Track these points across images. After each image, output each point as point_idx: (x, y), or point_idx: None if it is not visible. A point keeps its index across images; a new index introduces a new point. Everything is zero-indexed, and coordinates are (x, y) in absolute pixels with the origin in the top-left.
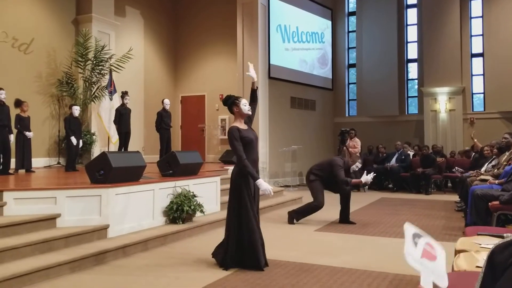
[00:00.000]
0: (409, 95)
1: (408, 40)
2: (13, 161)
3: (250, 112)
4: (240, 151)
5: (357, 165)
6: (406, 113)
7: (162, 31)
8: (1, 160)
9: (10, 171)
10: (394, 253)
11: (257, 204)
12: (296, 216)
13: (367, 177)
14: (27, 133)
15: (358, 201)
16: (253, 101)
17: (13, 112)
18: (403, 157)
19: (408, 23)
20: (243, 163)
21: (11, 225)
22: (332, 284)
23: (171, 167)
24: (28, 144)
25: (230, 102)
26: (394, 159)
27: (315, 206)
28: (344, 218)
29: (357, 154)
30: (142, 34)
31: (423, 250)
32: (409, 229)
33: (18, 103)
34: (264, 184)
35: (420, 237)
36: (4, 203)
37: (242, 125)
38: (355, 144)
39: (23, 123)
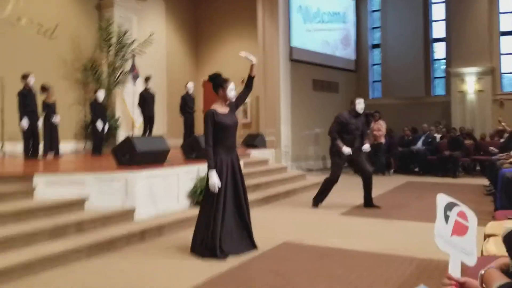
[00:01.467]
0: (435, 76)
1: (434, 19)
2: (41, 146)
3: (233, 99)
4: (208, 136)
5: (366, 147)
6: (432, 95)
7: (183, 14)
8: (31, 145)
9: (39, 155)
10: (420, 237)
11: (239, 188)
12: (317, 198)
13: (347, 149)
14: (54, 118)
15: (383, 184)
16: (248, 87)
17: (39, 97)
18: (430, 139)
19: (434, 1)
20: (206, 149)
21: (41, 208)
22: (357, 269)
23: (195, 150)
24: (55, 129)
25: (217, 83)
26: (420, 142)
27: (329, 180)
28: (367, 202)
29: (382, 137)
30: (164, 18)
31: (454, 224)
32: (443, 199)
33: (44, 89)
34: (214, 177)
35: (452, 207)
36: (35, 187)
37: (222, 109)
38: (380, 127)
39: (50, 109)
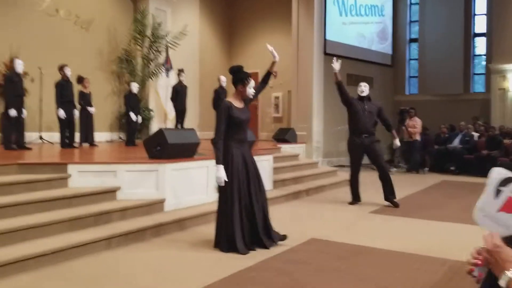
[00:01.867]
0: (475, 72)
1: (476, 13)
2: (77, 136)
3: (252, 96)
4: (220, 129)
5: (396, 143)
6: (471, 91)
7: (217, 7)
8: (67, 134)
9: (75, 145)
10: (454, 238)
11: (254, 183)
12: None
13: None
14: (89, 109)
15: (417, 183)
16: (264, 82)
17: (76, 88)
18: (467, 138)
19: None
20: (216, 141)
21: (75, 197)
22: (387, 269)
23: None
24: (91, 119)
25: (238, 78)
26: (457, 140)
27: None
28: (386, 197)
29: (417, 134)
30: (198, 10)
31: (506, 199)
32: (500, 172)
33: (80, 80)
34: (221, 171)
35: (509, 183)
36: (69, 175)
37: (237, 103)
38: (415, 124)
39: (85, 99)
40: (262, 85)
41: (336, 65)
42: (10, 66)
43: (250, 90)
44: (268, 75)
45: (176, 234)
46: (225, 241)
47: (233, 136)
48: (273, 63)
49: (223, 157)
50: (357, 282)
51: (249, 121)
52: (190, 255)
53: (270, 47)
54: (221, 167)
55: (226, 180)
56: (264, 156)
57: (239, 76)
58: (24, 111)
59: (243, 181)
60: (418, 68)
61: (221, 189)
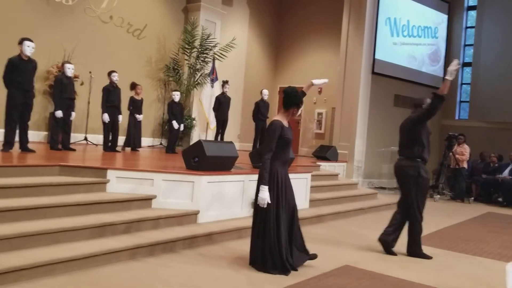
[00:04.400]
0: None
1: None
2: (122, 139)
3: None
4: (270, 149)
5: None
6: None
7: (266, 21)
8: (110, 137)
9: (118, 149)
10: (492, 275)
11: (289, 202)
12: (420, 248)
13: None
14: (137, 116)
15: (462, 212)
16: None
17: (128, 94)
18: None
19: None
20: (264, 161)
21: (112, 202)
22: None
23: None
24: (139, 125)
25: (293, 101)
26: (507, 171)
27: (420, 222)
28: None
29: (464, 162)
30: (247, 23)
31: None
32: None
33: (133, 86)
34: (265, 192)
35: None
36: (108, 180)
37: (285, 122)
38: (463, 151)
39: (136, 105)
40: None
41: (453, 67)
42: (62, 69)
43: (299, 112)
44: (303, 95)
45: (208, 247)
46: (268, 261)
47: (279, 156)
48: (310, 87)
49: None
50: None
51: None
52: (219, 272)
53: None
54: (267, 188)
55: (269, 202)
56: (302, 174)
57: (294, 100)
58: (73, 114)
59: (286, 201)
60: (470, 92)
61: (263, 208)
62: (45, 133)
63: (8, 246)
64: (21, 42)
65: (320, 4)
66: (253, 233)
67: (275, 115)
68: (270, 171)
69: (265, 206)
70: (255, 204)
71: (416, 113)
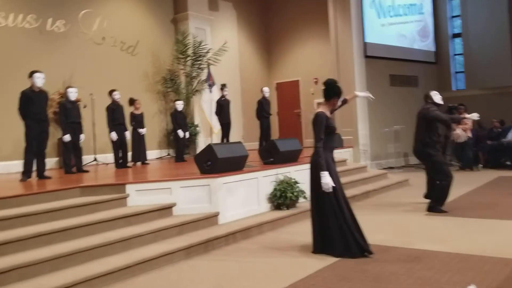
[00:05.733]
0: None
1: None
2: (130, 155)
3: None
4: (320, 137)
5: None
6: None
7: (254, 20)
8: (120, 154)
9: (129, 164)
10: None
11: (341, 188)
12: (440, 205)
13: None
14: (140, 130)
15: (472, 181)
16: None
17: (128, 110)
18: None
19: None
20: (317, 150)
21: (134, 215)
22: (447, 272)
23: (272, 155)
24: (143, 139)
25: (333, 92)
26: (510, 134)
27: (450, 182)
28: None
29: (468, 131)
30: (236, 25)
31: None
32: None
33: (131, 102)
34: (327, 177)
35: None
36: (127, 195)
37: (328, 113)
38: (465, 120)
39: (137, 120)
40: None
41: (475, 115)
42: (64, 95)
43: (339, 103)
44: (344, 102)
45: (232, 245)
46: (340, 244)
47: (327, 145)
48: (355, 96)
49: (319, 164)
50: (417, 286)
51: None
52: (247, 265)
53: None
54: (327, 173)
55: (333, 185)
56: None
57: (335, 90)
58: (82, 136)
59: (338, 186)
60: (464, 63)
61: (322, 196)
62: (56, 159)
63: (48, 268)
64: (31, 75)
65: None
66: (315, 221)
67: (318, 108)
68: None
69: (330, 190)
70: (313, 194)
71: (431, 113)
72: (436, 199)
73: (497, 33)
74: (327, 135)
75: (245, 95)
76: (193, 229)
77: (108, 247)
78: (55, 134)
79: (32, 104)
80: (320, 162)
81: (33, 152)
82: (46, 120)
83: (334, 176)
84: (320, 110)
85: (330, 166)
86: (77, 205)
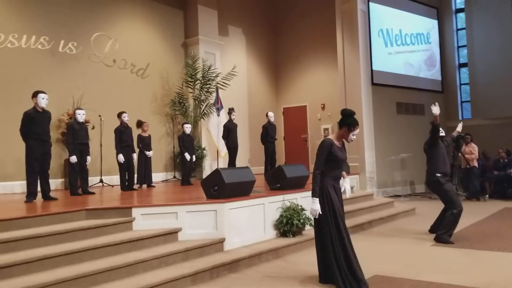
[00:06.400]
0: None
1: None
2: (136, 177)
3: (351, 141)
4: (320, 164)
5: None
6: None
7: (262, 45)
8: (126, 177)
9: (134, 187)
10: None
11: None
12: (448, 235)
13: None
14: (147, 153)
15: (478, 211)
16: None
17: (135, 132)
18: None
19: None
20: (315, 175)
21: (140, 239)
22: None
23: (279, 180)
24: (149, 162)
25: (347, 122)
26: None
27: (459, 211)
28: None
29: (474, 161)
30: (245, 50)
31: None
32: None
33: (139, 124)
34: (316, 204)
35: None
36: (133, 219)
37: (337, 142)
38: (472, 150)
39: (144, 142)
40: None
41: (435, 109)
42: (73, 116)
43: (353, 136)
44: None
45: (238, 273)
46: (339, 277)
47: (329, 173)
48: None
49: (320, 192)
50: None
51: (345, 160)
52: None
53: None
54: (317, 200)
55: (320, 213)
56: None
57: (348, 120)
58: (88, 158)
59: (339, 214)
60: (470, 92)
61: (323, 224)
62: (61, 180)
63: None
64: (35, 95)
65: (313, 23)
66: (318, 250)
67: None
68: (321, 187)
69: (317, 216)
70: (315, 222)
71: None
72: (445, 229)
73: (504, 63)
74: (331, 163)
75: (252, 119)
76: (198, 255)
77: (112, 272)
78: (62, 155)
79: (35, 124)
80: (314, 188)
81: (36, 173)
82: (48, 140)
83: (335, 205)
84: (328, 137)
85: (331, 196)
86: (83, 228)
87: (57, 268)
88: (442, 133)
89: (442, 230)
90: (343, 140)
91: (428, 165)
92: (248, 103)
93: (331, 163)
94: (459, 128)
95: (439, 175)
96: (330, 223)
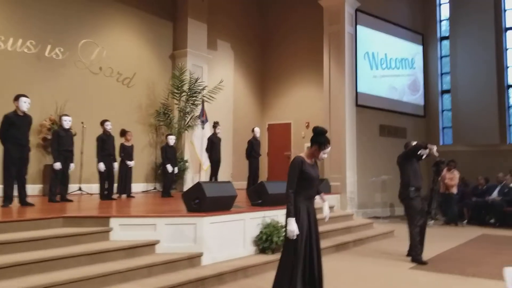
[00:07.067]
0: (510, 123)
1: (508, 65)
2: (115, 186)
3: (322, 160)
4: (292, 182)
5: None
6: (508, 142)
7: (250, 61)
8: (106, 186)
9: (114, 196)
10: None
11: (314, 237)
12: (418, 254)
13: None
14: (128, 162)
15: (457, 236)
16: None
17: (118, 141)
18: (506, 190)
19: (507, 46)
20: (288, 195)
21: (117, 250)
22: None
23: (260, 196)
24: (130, 172)
25: (318, 140)
26: (496, 192)
27: (417, 230)
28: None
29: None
30: (232, 65)
31: None
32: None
33: (123, 133)
34: (293, 225)
35: None
36: (111, 229)
37: (308, 160)
38: (453, 177)
39: (126, 152)
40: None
41: (435, 151)
42: (57, 121)
43: (324, 155)
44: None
45: None
46: None
47: (302, 192)
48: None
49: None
50: None
51: (318, 178)
52: None
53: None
54: (293, 220)
55: (298, 233)
56: None
57: (319, 139)
58: (72, 165)
59: (307, 237)
60: (451, 118)
61: (288, 243)
62: (40, 186)
63: None
64: (17, 99)
65: (301, 42)
66: (278, 266)
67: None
68: (295, 206)
69: (294, 237)
70: (285, 240)
71: (403, 152)
72: (413, 250)
73: (485, 92)
74: (303, 181)
75: (236, 134)
76: (175, 269)
77: (86, 282)
78: (42, 160)
79: (14, 128)
80: (288, 208)
81: (13, 177)
82: (26, 145)
83: (304, 229)
84: (299, 154)
85: (301, 215)
86: (59, 236)
87: (28, 276)
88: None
89: (413, 252)
90: (315, 158)
91: (401, 178)
92: (234, 117)
93: (304, 181)
94: (434, 151)
95: (412, 188)
96: (294, 247)
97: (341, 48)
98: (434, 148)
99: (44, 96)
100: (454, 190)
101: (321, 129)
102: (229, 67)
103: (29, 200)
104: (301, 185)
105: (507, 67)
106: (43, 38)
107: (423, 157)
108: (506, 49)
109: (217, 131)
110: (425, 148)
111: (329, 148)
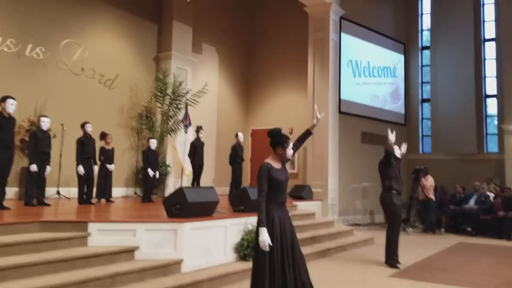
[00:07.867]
0: (488, 132)
1: (487, 75)
2: (94, 190)
3: (291, 157)
4: (262, 191)
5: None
6: (485, 151)
7: (235, 65)
8: (85, 190)
9: (93, 201)
10: None
11: (289, 243)
12: (393, 259)
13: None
14: (108, 166)
15: (434, 244)
16: (302, 141)
17: (98, 144)
18: (483, 198)
19: (486, 57)
20: (259, 204)
21: (94, 256)
22: None
23: (243, 202)
24: (110, 175)
25: (278, 141)
26: (472, 201)
27: (396, 235)
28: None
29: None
30: (217, 69)
31: None
32: None
33: (103, 136)
34: (264, 235)
35: None
36: (89, 234)
37: (275, 164)
38: (428, 181)
39: (107, 155)
40: (299, 143)
41: (392, 136)
42: (35, 123)
43: (290, 151)
44: (307, 134)
45: None
46: None
47: (273, 199)
48: (314, 126)
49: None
50: None
51: (287, 181)
52: None
53: (319, 115)
54: (265, 230)
55: (271, 244)
56: None
57: (279, 139)
58: (48, 168)
59: (280, 243)
60: (431, 127)
61: (258, 251)
62: (17, 189)
63: None
64: (3, 100)
65: (286, 48)
66: (251, 274)
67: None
68: (267, 214)
69: (267, 248)
70: (255, 248)
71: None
72: (388, 254)
73: (464, 102)
74: (273, 187)
75: (220, 139)
76: (154, 276)
77: None
78: (19, 163)
79: (1, 130)
80: (260, 217)
81: None
82: (12, 147)
83: (278, 235)
84: (265, 160)
85: (274, 224)
86: (35, 241)
87: (2, 282)
88: (399, 155)
89: (387, 256)
90: (283, 160)
91: (383, 182)
92: (217, 122)
93: (274, 187)
94: (403, 149)
95: (394, 192)
96: (266, 257)
97: (325, 55)
98: (390, 134)
99: (23, 96)
100: (432, 196)
101: (276, 130)
102: (214, 71)
103: (5, 203)
104: (271, 191)
105: (485, 77)
106: (24, 37)
107: (398, 155)
108: (485, 60)
109: (200, 135)
110: (391, 149)
111: (291, 143)
